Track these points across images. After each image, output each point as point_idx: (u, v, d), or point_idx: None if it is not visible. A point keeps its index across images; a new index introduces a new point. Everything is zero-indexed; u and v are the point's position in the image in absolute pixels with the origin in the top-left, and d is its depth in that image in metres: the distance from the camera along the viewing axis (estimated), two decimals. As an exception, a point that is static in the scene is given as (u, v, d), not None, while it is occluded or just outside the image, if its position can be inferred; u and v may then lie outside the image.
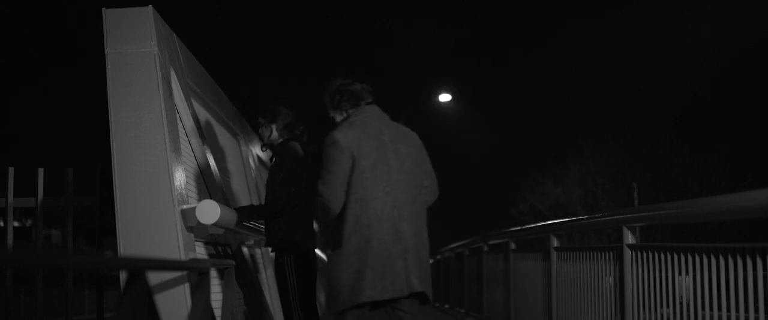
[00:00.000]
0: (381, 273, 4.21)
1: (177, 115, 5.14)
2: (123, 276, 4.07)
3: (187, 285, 4.41)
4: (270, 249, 5.63)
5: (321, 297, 9.09)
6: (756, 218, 3.65)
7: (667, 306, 4.60)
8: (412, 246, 4.30)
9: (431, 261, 18.92)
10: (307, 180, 5.31)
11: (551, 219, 8.43)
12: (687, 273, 4.33)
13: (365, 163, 4.27)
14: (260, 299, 6.19)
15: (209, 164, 5.67)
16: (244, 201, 6.80)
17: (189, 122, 5.43)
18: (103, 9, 4.76)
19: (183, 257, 4.42)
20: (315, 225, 5.98)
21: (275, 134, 5.51)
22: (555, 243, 6.84)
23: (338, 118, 4.57)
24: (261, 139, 5.66)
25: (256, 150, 8.67)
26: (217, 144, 6.48)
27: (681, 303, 4.44)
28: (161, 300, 4.34)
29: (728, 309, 3.97)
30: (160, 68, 4.72)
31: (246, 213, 5.45)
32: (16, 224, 5.99)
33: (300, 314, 5.23)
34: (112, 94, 4.62)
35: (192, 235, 4.75)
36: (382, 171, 4.30)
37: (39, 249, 3.25)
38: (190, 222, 4.61)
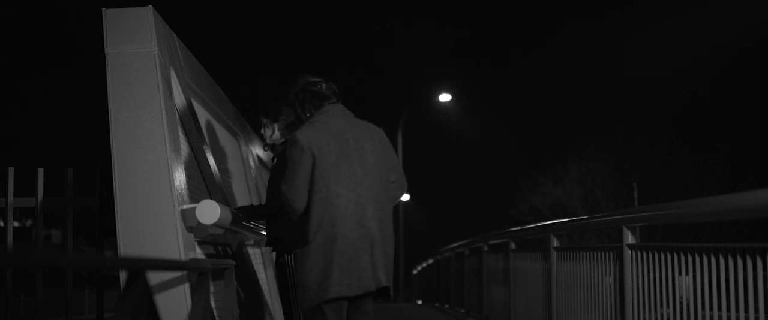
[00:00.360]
0: (347, 269, 4.27)
1: (177, 115, 5.14)
2: (123, 276, 4.07)
3: (187, 285, 4.41)
4: (270, 249, 5.63)
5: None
6: (756, 218, 3.65)
7: (667, 306, 4.60)
8: (378, 242, 4.36)
9: (431, 261, 18.92)
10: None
11: (551, 219, 8.43)
12: (687, 273, 4.33)
13: (327, 162, 4.34)
14: (260, 299, 6.19)
15: (209, 164, 5.67)
16: (244, 201, 6.80)
17: (189, 122, 5.43)
18: (103, 9, 4.76)
19: (183, 257, 4.42)
20: None
21: (277, 134, 5.50)
22: (555, 243, 6.84)
23: (303, 118, 4.62)
24: (263, 138, 5.65)
25: (256, 150, 8.67)
26: (217, 144, 6.48)
27: (681, 303, 4.44)
28: (161, 300, 4.34)
29: (728, 309, 3.97)
30: (160, 68, 4.72)
31: (246, 213, 5.45)
32: (16, 224, 5.98)
33: (300, 313, 5.23)
34: (112, 94, 4.62)
35: (192, 235, 4.74)
36: (345, 168, 4.35)
37: (39, 249, 3.24)
38: (190, 222, 4.61)
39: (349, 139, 4.43)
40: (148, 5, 4.82)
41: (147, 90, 4.64)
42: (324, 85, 4.59)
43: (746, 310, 3.86)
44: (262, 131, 5.60)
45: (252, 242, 6.95)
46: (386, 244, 4.40)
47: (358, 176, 4.37)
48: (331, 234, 4.28)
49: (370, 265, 4.31)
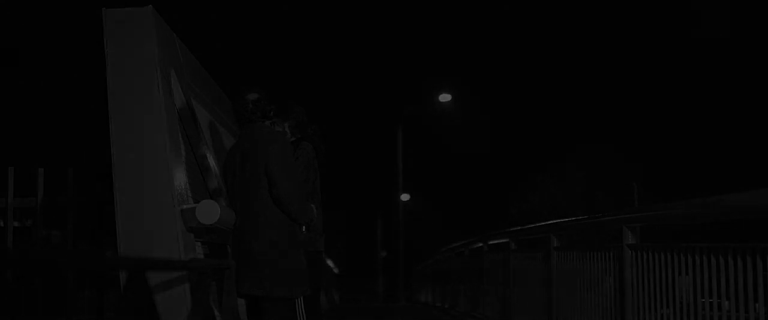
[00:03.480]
0: (235, 274, 4.81)
1: (177, 115, 5.14)
2: (123, 276, 4.08)
3: (187, 285, 4.41)
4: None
5: (324, 297, 9.06)
6: (756, 218, 3.65)
7: (667, 306, 4.60)
8: (248, 252, 4.66)
9: (430, 262, 18.90)
10: (315, 180, 5.33)
11: (551, 219, 8.43)
12: (687, 273, 4.33)
13: (225, 178, 4.92)
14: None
15: (209, 164, 5.67)
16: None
17: (189, 122, 5.43)
18: (103, 9, 4.76)
19: (183, 257, 4.42)
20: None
21: (287, 133, 5.49)
22: (555, 243, 6.84)
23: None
24: None
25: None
26: (218, 144, 6.48)
27: (681, 303, 4.44)
28: (161, 300, 4.34)
29: (728, 310, 3.97)
30: (160, 68, 4.72)
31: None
32: (16, 224, 5.98)
33: (303, 314, 5.23)
34: (112, 94, 4.62)
35: (192, 235, 4.75)
36: (232, 185, 4.82)
37: (39, 249, 3.25)
38: (190, 222, 4.61)
39: (237, 157, 4.78)
40: (148, 5, 4.82)
41: (147, 90, 4.64)
42: (250, 105, 4.82)
43: (746, 310, 3.86)
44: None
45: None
46: (257, 254, 4.64)
47: (236, 192, 4.76)
48: None
49: (235, 274, 4.77)
